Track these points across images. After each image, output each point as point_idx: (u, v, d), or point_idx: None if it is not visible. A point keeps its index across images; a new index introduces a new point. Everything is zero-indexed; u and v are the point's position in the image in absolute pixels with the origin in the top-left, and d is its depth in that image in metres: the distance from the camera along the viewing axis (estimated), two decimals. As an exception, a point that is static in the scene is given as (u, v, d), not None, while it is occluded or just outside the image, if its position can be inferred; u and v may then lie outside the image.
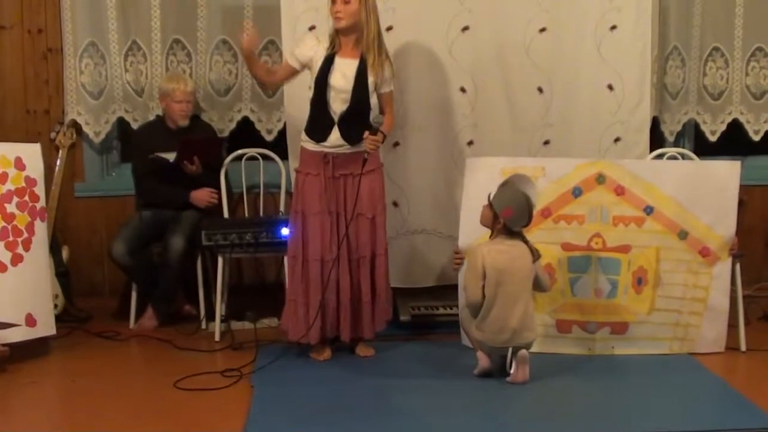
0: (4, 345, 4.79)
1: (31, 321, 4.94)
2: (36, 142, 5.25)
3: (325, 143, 4.76)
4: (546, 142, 5.52)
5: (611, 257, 4.92)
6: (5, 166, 4.92)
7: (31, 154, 5.05)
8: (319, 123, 4.79)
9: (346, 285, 4.81)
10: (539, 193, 4.85)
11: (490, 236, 4.62)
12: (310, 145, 4.81)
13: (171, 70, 5.79)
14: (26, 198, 4.97)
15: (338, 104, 4.73)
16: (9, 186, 4.91)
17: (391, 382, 4.57)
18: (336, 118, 4.73)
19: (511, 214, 4.51)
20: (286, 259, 4.99)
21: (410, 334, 5.32)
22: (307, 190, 4.80)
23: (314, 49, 4.76)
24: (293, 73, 4.86)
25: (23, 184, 4.97)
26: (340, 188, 4.79)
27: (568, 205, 4.93)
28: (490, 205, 4.57)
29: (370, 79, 4.72)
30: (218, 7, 5.86)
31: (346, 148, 4.76)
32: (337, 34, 4.72)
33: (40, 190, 5.05)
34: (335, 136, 4.75)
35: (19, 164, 4.96)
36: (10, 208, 4.90)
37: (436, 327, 5.37)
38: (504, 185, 4.58)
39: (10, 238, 4.88)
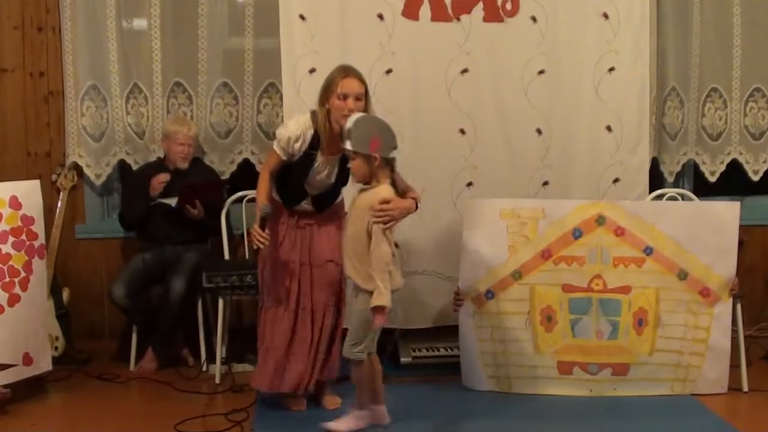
0: (5, 387, 4.78)
1: (27, 360, 4.94)
2: (36, 182, 5.27)
3: (296, 207, 4.71)
4: (545, 183, 5.53)
5: (612, 298, 4.92)
6: (-1, 207, 4.93)
7: (29, 191, 5.05)
8: (291, 194, 4.71)
9: (307, 335, 4.75)
10: (540, 235, 4.88)
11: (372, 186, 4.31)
12: (278, 199, 4.75)
13: (173, 112, 5.82)
14: (23, 237, 4.96)
15: (314, 188, 4.67)
16: (3, 226, 4.89)
17: (392, 426, 4.54)
18: (310, 195, 4.67)
19: (380, 143, 4.22)
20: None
21: (411, 376, 5.31)
22: (274, 237, 4.67)
23: (299, 142, 4.55)
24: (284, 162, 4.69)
25: (19, 224, 4.96)
26: (305, 237, 4.73)
27: (569, 247, 4.93)
28: (355, 153, 4.22)
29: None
30: (219, 50, 5.89)
31: (313, 212, 4.74)
32: (328, 130, 4.54)
33: (38, 228, 5.04)
34: (306, 203, 4.70)
35: (15, 203, 4.95)
36: (6, 248, 4.89)
37: (436, 369, 5.35)
38: (351, 130, 4.22)
39: (6, 279, 4.87)
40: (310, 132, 4.56)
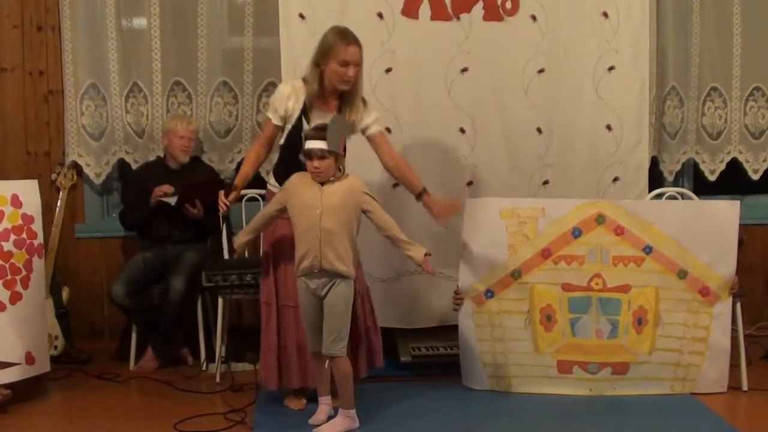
0: (6, 388, 4.78)
1: (30, 359, 4.93)
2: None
3: None
4: (545, 182, 5.54)
5: (611, 297, 4.92)
6: (1, 204, 4.90)
7: (28, 190, 5.04)
8: (288, 171, 4.65)
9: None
10: (540, 234, 4.88)
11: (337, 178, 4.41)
12: (278, 190, 4.72)
13: (172, 111, 5.83)
14: (24, 235, 4.96)
15: None
16: (5, 224, 4.89)
17: (391, 425, 4.55)
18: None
19: (344, 139, 4.40)
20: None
21: (411, 375, 5.31)
22: (278, 233, 4.70)
23: (291, 99, 4.65)
24: (279, 130, 4.74)
25: (20, 222, 4.95)
26: None
27: (568, 246, 4.93)
28: (329, 153, 4.28)
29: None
30: (219, 49, 5.90)
31: None
32: (321, 90, 4.61)
33: (37, 226, 5.04)
34: None
35: (16, 202, 4.95)
36: (7, 246, 4.88)
37: (437, 368, 5.34)
38: (326, 133, 4.28)
39: (9, 277, 4.87)
40: (303, 91, 4.65)
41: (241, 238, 4.67)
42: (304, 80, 4.68)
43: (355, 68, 4.56)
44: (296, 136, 4.63)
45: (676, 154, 6.12)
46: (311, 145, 4.29)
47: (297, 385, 4.73)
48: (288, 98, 4.65)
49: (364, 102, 4.73)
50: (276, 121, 4.70)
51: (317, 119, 4.59)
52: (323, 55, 4.57)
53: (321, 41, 4.61)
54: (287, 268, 4.65)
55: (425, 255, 4.41)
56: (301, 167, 4.58)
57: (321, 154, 4.28)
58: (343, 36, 4.56)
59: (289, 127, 4.68)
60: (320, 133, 4.28)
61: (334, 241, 4.32)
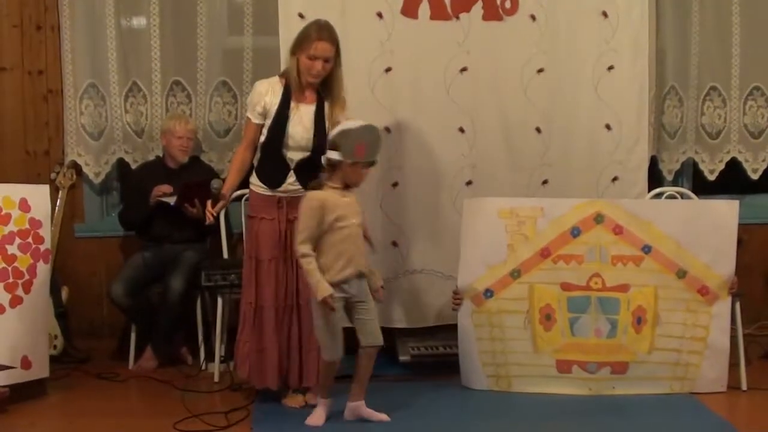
0: (3, 386, 4.78)
1: (26, 363, 4.91)
2: (35, 183, 5.27)
3: (279, 189, 4.70)
4: (544, 182, 5.53)
5: (610, 297, 4.92)
6: (9, 207, 4.90)
7: (38, 195, 5.04)
8: (273, 169, 4.70)
9: (295, 331, 4.74)
10: (539, 233, 4.88)
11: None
12: (262, 189, 4.75)
13: (171, 111, 5.83)
14: (29, 240, 4.96)
15: (295, 152, 4.66)
16: (11, 227, 4.89)
17: (390, 425, 4.54)
18: (292, 165, 4.66)
19: (364, 150, 4.39)
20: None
21: (410, 375, 5.31)
22: (262, 235, 4.69)
23: (268, 95, 4.68)
24: (260, 128, 4.73)
25: (27, 226, 4.95)
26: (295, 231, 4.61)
27: (567, 245, 4.93)
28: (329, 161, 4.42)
29: (327, 123, 4.67)
30: (218, 49, 5.91)
31: (301, 192, 4.62)
32: (299, 81, 4.64)
33: (45, 232, 5.03)
34: (291, 180, 4.69)
35: (24, 206, 4.95)
36: (12, 249, 4.88)
37: (436, 367, 5.34)
38: (377, 144, 4.49)
39: (10, 280, 4.87)
40: (279, 86, 4.69)
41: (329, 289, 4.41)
42: (281, 75, 4.74)
43: (324, 64, 4.59)
44: (277, 131, 4.66)
45: (675, 153, 6.12)
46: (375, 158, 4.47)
47: (274, 386, 4.75)
48: (265, 94, 4.69)
49: (343, 101, 4.74)
50: (256, 119, 4.71)
51: (296, 111, 4.64)
52: (298, 45, 4.64)
53: (300, 31, 4.69)
54: (269, 269, 4.67)
55: (381, 287, 4.58)
56: (285, 163, 4.66)
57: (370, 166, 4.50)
58: (318, 30, 4.61)
59: (268, 122, 4.69)
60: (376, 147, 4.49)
61: (362, 245, 4.50)
